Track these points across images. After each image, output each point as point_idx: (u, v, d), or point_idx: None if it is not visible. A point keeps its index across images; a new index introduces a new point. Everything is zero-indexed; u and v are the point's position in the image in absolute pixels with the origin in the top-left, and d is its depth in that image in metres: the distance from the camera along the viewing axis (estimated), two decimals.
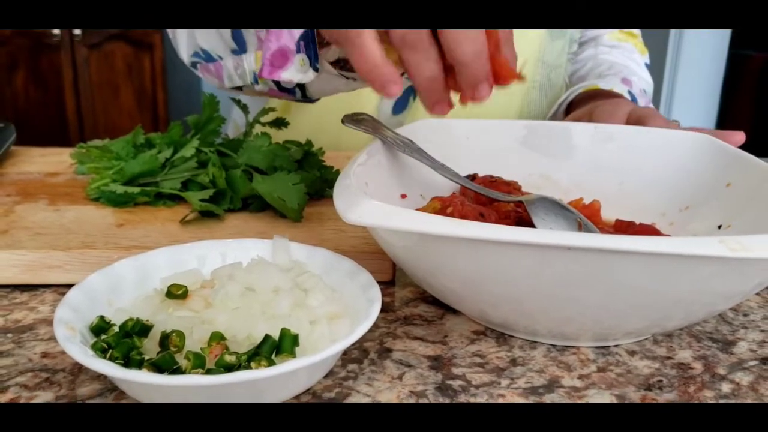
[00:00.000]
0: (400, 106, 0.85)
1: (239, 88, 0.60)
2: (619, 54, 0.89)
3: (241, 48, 0.56)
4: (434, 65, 0.42)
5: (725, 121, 2.89)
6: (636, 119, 0.66)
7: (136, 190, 0.58)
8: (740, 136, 0.60)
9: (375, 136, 0.51)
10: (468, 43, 0.40)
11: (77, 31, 2.73)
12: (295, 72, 0.51)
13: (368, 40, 0.41)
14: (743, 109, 3.00)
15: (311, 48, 0.50)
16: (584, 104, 0.78)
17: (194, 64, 0.62)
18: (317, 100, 0.57)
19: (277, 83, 0.54)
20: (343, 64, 0.54)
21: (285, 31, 0.50)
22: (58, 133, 2.81)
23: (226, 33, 0.55)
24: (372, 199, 0.37)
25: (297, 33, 0.50)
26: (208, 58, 0.59)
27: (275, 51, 0.51)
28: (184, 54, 0.63)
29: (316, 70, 0.51)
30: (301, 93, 0.54)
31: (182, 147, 0.62)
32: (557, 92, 0.88)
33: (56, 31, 2.71)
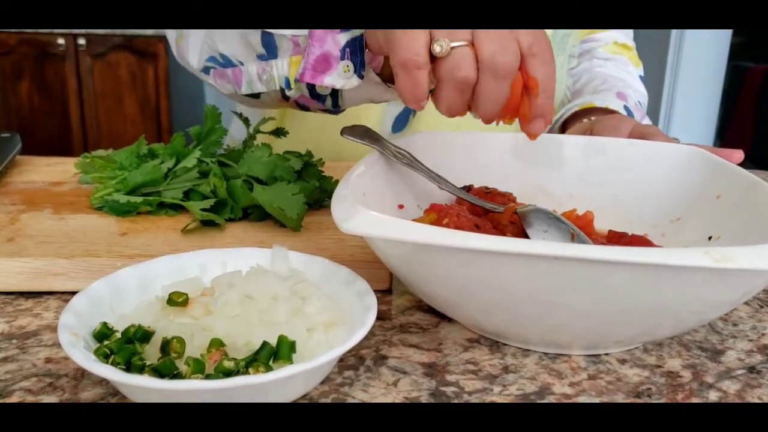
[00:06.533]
0: (399, 125, 0.86)
1: (255, 96, 0.58)
2: (613, 66, 0.90)
3: (270, 53, 0.55)
4: (462, 107, 0.45)
5: (725, 133, 2.90)
6: (638, 136, 0.66)
7: (138, 199, 0.59)
8: (739, 155, 0.61)
9: (373, 147, 0.53)
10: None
11: (82, 41, 2.76)
12: (338, 78, 0.51)
13: (423, 77, 0.43)
14: (743, 121, 3.01)
15: (358, 55, 0.50)
16: (579, 120, 0.79)
17: (207, 69, 0.60)
18: (342, 111, 0.57)
19: (311, 89, 0.53)
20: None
21: (328, 37, 0.50)
22: (61, 141, 2.83)
23: (254, 38, 0.54)
24: (368, 209, 0.38)
25: (341, 39, 0.50)
26: (227, 63, 0.58)
27: (319, 56, 0.51)
28: (194, 59, 0.61)
29: (360, 77, 0.51)
30: (331, 101, 0.54)
31: (184, 157, 0.63)
32: (556, 106, 0.90)
33: (61, 41, 2.74)
